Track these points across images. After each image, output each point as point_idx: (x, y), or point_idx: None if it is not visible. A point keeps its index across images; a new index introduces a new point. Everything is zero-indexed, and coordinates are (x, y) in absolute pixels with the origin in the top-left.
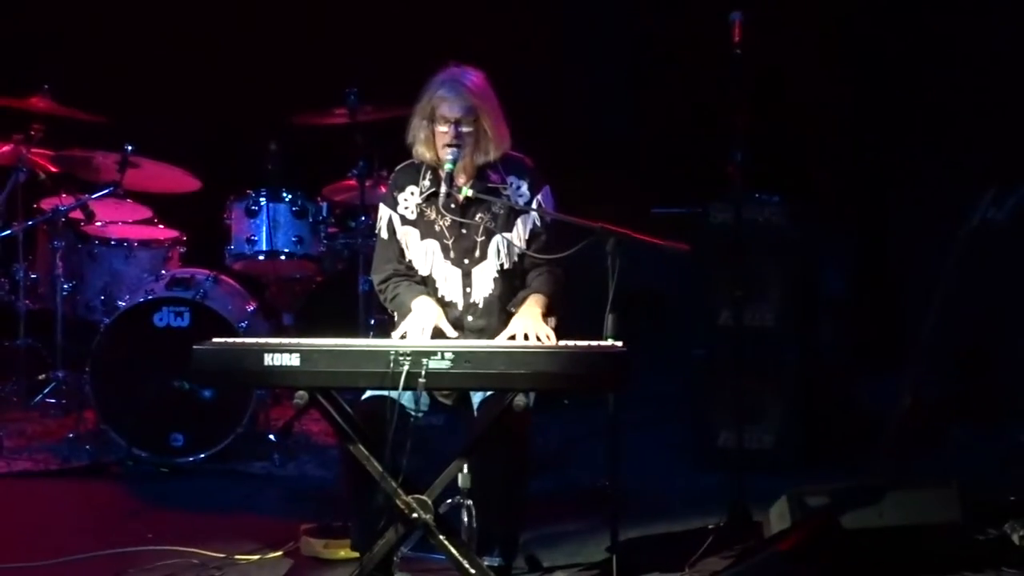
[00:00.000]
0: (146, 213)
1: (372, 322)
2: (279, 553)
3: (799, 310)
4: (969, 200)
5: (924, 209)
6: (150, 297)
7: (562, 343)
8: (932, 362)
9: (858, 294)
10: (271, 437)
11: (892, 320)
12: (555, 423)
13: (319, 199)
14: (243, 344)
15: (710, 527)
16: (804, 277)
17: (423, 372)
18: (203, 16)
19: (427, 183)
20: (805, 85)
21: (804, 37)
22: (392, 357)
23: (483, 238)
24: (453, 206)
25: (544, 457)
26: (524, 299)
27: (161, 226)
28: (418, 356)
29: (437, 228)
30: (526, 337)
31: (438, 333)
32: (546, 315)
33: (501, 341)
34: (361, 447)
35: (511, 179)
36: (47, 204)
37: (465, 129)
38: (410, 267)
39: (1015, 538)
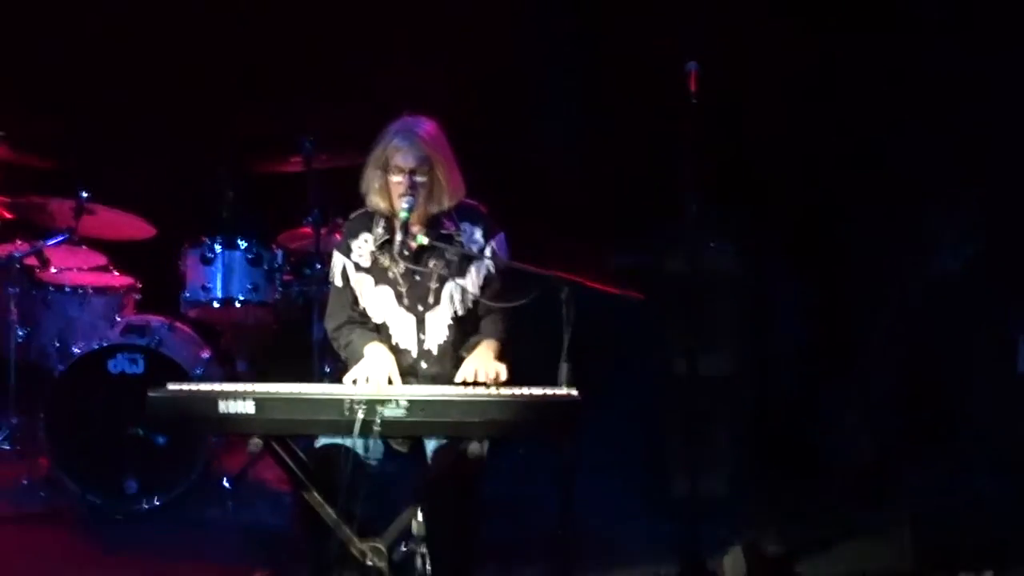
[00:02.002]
0: (101, 260)
1: (327, 369)
2: None
3: (755, 359)
4: (925, 246)
5: (881, 252)
6: (104, 344)
7: (517, 391)
8: (885, 406)
9: (815, 339)
10: (225, 483)
11: (849, 365)
12: (509, 466)
13: (274, 246)
14: (198, 391)
15: (663, 575)
16: (760, 325)
17: (378, 420)
18: (159, 63)
19: (381, 231)
20: (761, 131)
21: (759, 82)
22: (347, 405)
23: (437, 285)
24: (407, 253)
25: (497, 500)
26: (476, 344)
27: (116, 273)
28: (373, 404)
29: (391, 275)
30: (476, 375)
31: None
32: (496, 359)
33: (456, 389)
34: (315, 494)
35: (465, 225)
36: (1, 250)
37: (419, 179)
38: (364, 315)
39: None
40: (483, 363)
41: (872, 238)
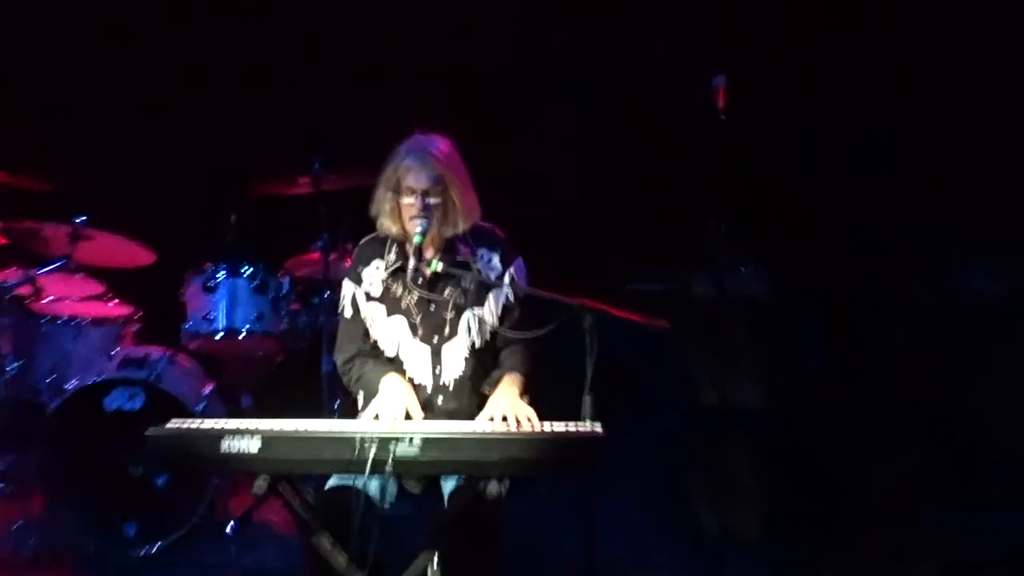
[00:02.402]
0: (98, 288)
1: (336, 404)
2: None
3: (783, 393)
4: (950, 269)
5: (905, 277)
6: (101, 378)
7: (538, 426)
8: (902, 432)
9: (840, 367)
10: (229, 526)
11: (875, 393)
12: (529, 497)
13: (281, 273)
14: (200, 428)
15: None
16: (787, 354)
17: (390, 458)
18: (160, 82)
19: (393, 257)
20: (782, 151)
21: (780, 100)
22: (357, 443)
23: (453, 315)
24: (421, 281)
25: (518, 533)
26: (499, 379)
27: (114, 302)
28: (385, 441)
29: (404, 305)
30: (504, 419)
31: (405, 415)
32: (522, 395)
33: (473, 425)
34: (324, 538)
35: (481, 251)
36: None
37: (433, 200)
38: (375, 347)
39: None
40: (510, 406)
41: (899, 268)
